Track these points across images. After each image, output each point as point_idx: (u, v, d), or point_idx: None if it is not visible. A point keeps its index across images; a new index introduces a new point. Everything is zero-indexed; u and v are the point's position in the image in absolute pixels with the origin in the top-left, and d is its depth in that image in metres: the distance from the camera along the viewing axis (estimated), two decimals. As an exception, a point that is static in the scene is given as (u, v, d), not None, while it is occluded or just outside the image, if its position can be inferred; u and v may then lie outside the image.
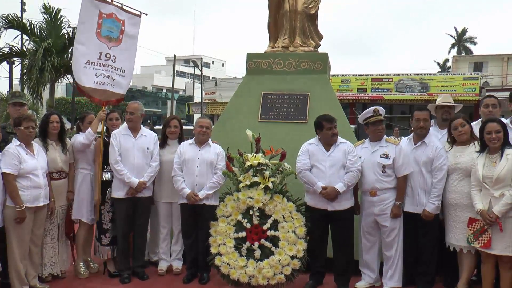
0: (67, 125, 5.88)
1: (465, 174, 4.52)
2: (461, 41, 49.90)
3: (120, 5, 5.68)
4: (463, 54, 46.34)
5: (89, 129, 5.27)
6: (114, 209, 5.31)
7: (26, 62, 15.81)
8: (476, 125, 4.86)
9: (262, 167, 4.89)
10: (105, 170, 5.34)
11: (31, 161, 4.65)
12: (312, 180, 4.76)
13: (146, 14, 5.99)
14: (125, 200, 5.17)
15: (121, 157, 5.16)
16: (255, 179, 4.86)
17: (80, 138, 5.26)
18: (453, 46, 50.35)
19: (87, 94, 5.50)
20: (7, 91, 17.28)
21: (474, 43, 50.09)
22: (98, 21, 5.44)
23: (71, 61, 5.52)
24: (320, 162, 4.80)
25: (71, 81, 17.04)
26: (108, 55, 5.52)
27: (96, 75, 5.41)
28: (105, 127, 5.52)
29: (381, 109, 4.92)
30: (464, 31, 50.19)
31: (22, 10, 16.17)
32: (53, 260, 5.12)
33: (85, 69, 5.36)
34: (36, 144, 4.88)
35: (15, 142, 4.66)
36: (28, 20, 16.01)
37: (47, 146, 5.05)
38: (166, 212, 5.44)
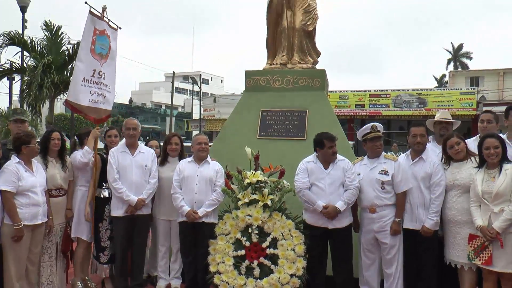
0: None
1: (463, 190, 4.52)
2: (457, 56, 50.29)
3: (107, 20, 5.67)
4: (459, 69, 46.65)
5: (86, 147, 5.28)
6: (112, 227, 5.29)
7: (26, 78, 15.87)
8: (474, 141, 4.87)
9: (261, 184, 4.89)
10: (103, 187, 5.33)
11: (30, 179, 4.64)
12: (312, 199, 4.76)
13: (121, 28, 5.93)
14: (124, 218, 5.15)
15: (119, 175, 5.15)
16: (254, 196, 4.86)
17: (78, 156, 5.27)
18: (449, 61, 50.74)
19: (82, 113, 5.48)
20: (7, 107, 17.32)
21: (470, 58, 50.53)
22: (92, 37, 5.42)
23: (71, 78, 5.48)
24: (320, 180, 4.80)
25: (70, 98, 17.07)
26: (100, 73, 5.50)
27: (90, 93, 5.39)
28: (104, 144, 5.52)
29: (379, 126, 4.94)
30: (460, 46, 50.64)
31: (24, 27, 16.25)
32: (51, 279, 5.07)
33: (82, 86, 5.33)
34: (36, 161, 4.87)
35: (14, 159, 4.66)
36: (29, 37, 16.11)
37: (47, 163, 5.05)
38: (164, 230, 5.42)
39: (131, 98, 56.93)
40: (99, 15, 5.52)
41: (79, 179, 5.36)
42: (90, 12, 5.39)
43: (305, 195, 4.80)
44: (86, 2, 5.41)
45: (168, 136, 5.68)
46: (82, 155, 5.23)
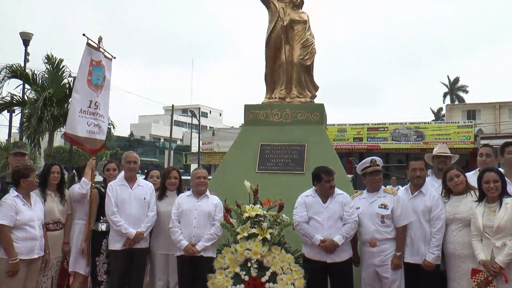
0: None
1: (464, 224, 4.51)
2: (454, 89, 50.92)
3: (103, 50, 5.73)
4: (456, 103, 47.12)
5: (83, 178, 5.29)
6: (109, 261, 5.23)
7: (26, 111, 15.96)
8: (473, 175, 4.89)
9: (260, 218, 4.86)
10: (101, 221, 5.31)
11: (27, 212, 4.62)
12: (310, 233, 4.74)
13: (115, 58, 6.00)
14: (121, 252, 5.10)
15: (117, 208, 5.13)
16: (253, 230, 4.82)
17: (76, 188, 5.25)
18: (445, 94, 51.30)
19: (79, 144, 5.50)
20: (6, 140, 17.35)
21: (466, 92, 51.13)
22: (89, 68, 5.46)
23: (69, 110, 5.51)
24: (318, 214, 4.80)
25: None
26: (96, 104, 5.53)
27: (87, 124, 5.42)
28: (102, 178, 5.52)
29: (378, 160, 4.96)
30: (457, 80, 51.31)
31: (26, 60, 16.46)
32: (45, 315, 4.98)
33: (79, 118, 5.36)
34: (34, 195, 4.87)
35: (12, 192, 4.65)
36: (31, 70, 16.31)
37: (46, 196, 5.05)
38: (162, 264, 5.34)
39: (131, 131, 57.24)
40: (96, 46, 5.59)
41: (77, 212, 5.35)
42: (88, 44, 5.45)
43: (303, 229, 4.78)
44: (84, 34, 5.47)
45: (167, 170, 5.67)
46: (80, 187, 5.25)
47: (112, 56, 5.94)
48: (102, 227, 5.30)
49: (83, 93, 5.41)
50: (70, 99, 5.42)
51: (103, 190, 5.36)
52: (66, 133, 5.41)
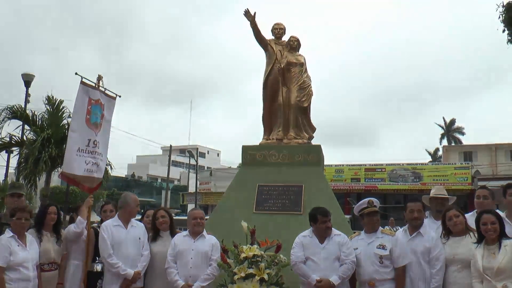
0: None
1: (464, 265, 4.48)
2: (450, 131, 51.39)
3: (103, 89, 5.74)
4: (453, 144, 47.47)
5: (79, 217, 5.26)
6: (104, 303, 5.12)
7: (24, 151, 15.98)
8: (471, 216, 4.89)
9: (258, 258, 4.83)
10: (96, 261, 5.23)
11: (21, 253, 4.57)
12: (306, 273, 4.70)
13: (120, 96, 6.01)
14: (117, 294, 5.00)
15: (113, 249, 5.08)
16: (250, 271, 4.78)
17: (72, 227, 5.24)
18: (442, 136, 51.73)
19: (76, 183, 5.46)
20: (3, 180, 17.29)
21: (463, 133, 51.59)
22: (88, 107, 5.45)
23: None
24: (314, 254, 4.78)
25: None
26: (95, 142, 5.51)
27: (85, 163, 5.39)
28: (100, 219, 5.49)
29: (375, 201, 4.98)
30: (453, 121, 51.86)
31: (26, 101, 16.64)
32: None
33: (77, 156, 5.33)
34: (29, 235, 4.83)
35: (8, 233, 4.63)
36: (31, 111, 16.45)
37: (42, 236, 5.01)
38: (157, 306, 5.24)
39: (133, 172, 57.21)
40: (93, 85, 5.60)
41: (72, 252, 5.29)
42: (82, 83, 5.45)
43: (299, 269, 4.76)
44: (76, 73, 5.47)
45: (154, 212, 5.59)
46: (76, 226, 5.22)
47: (116, 94, 5.95)
48: (98, 267, 5.22)
49: (81, 132, 5.40)
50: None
51: (99, 230, 5.32)
52: (64, 172, 5.38)
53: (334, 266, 4.73)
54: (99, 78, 5.69)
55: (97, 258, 5.24)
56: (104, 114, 5.70)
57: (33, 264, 4.67)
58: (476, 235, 4.50)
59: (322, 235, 4.86)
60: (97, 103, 5.59)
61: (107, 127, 5.78)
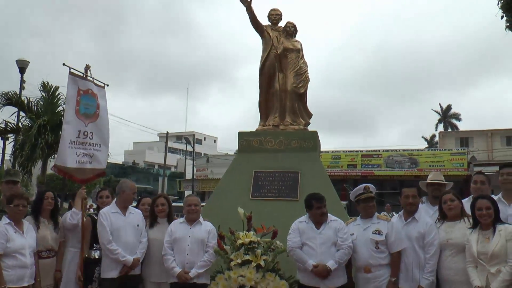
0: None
1: (457, 250, 4.53)
2: (447, 117, 51.43)
3: (92, 79, 5.67)
4: (449, 130, 47.55)
5: (73, 208, 5.28)
6: (102, 289, 5.15)
7: (20, 138, 15.93)
8: (467, 202, 4.92)
9: (254, 245, 4.86)
10: (94, 249, 5.25)
11: (18, 240, 4.58)
12: (303, 258, 4.73)
13: (108, 85, 5.95)
14: (115, 280, 5.03)
15: (112, 236, 5.09)
16: (247, 257, 4.81)
17: (68, 218, 5.25)
18: (439, 122, 51.78)
19: (69, 175, 5.42)
20: (-1, 167, 17.24)
21: (459, 119, 51.64)
22: (77, 98, 5.40)
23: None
24: (311, 240, 4.80)
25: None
26: (86, 133, 5.46)
27: (76, 154, 5.35)
28: (96, 205, 5.49)
29: (371, 187, 4.99)
30: (449, 107, 51.88)
31: (21, 88, 16.52)
32: None
33: (69, 149, 5.30)
34: (27, 222, 4.84)
35: (4, 220, 4.63)
36: (27, 98, 16.35)
37: (39, 223, 5.02)
38: (155, 292, 5.28)
39: (134, 160, 57.17)
40: (81, 75, 5.54)
41: (70, 240, 5.31)
42: (71, 73, 5.39)
43: (295, 254, 4.78)
44: (64, 64, 5.41)
45: (154, 198, 5.61)
46: (71, 217, 5.24)
47: (104, 83, 5.89)
48: (95, 254, 5.24)
49: (72, 124, 5.38)
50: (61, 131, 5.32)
51: (96, 217, 5.32)
52: (56, 165, 5.35)
53: (331, 251, 4.75)
54: (87, 67, 5.62)
55: (94, 245, 5.26)
56: (99, 103, 5.66)
57: (30, 251, 4.68)
58: (470, 220, 4.53)
59: (318, 221, 4.88)
60: (86, 93, 5.52)
61: (104, 115, 5.73)
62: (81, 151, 5.42)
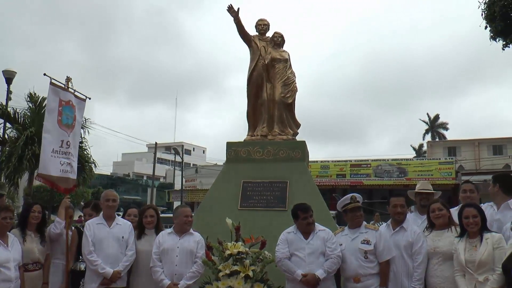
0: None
1: (444, 258, 4.55)
2: (434, 126, 51.91)
3: (73, 91, 5.78)
4: (437, 139, 47.99)
5: (57, 218, 5.25)
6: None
7: (6, 149, 15.73)
8: (456, 211, 4.95)
9: (242, 255, 4.83)
10: (80, 260, 5.20)
11: (3, 253, 4.52)
12: (291, 269, 4.71)
13: (90, 98, 6.10)
14: (98, 292, 4.96)
15: (95, 247, 5.03)
16: (235, 267, 4.78)
17: (51, 229, 5.24)
18: (426, 132, 52.25)
19: (52, 184, 5.47)
20: (-16, 179, 17.00)
21: (446, 129, 52.15)
22: (58, 108, 5.50)
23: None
24: (299, 250, 4.78)
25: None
26: (68, 143, 5.58)
27: (60, 163, 5.43)
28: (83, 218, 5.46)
29: (358, 196, 4.99)
30: (436, 117, 52.39)
31: (8, 99, 16.36)
32: None
33: (52, 157, 5.36)
34: (12, 235, 4.77)
35: (-12, 233, 4.55)
36: (13, 108, 16.19)
37: (25, 236, 4.95)
38: (142, 305, 5.21)
39: (129, 173, 56.89)
40: (63, 86, 5.63)
41: (53, 251, 5.26)
42: (52, 84, 5.48)
43: (284, 265, 4.76)
44: (45, 74, 5.49)
45: (143, 208, 5.59)
46: (54, 226, 5.21)
47: (86, 96, 6.01)
48: (81, 266, 5.20)
49: (54, 133, 5.46)
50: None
51: (82, 229, 5.27)
52: (40, 174, 5.38)
53: (319, 261, 4.73)
54: (68, 79, 5.72)
55: (80, 257, 5.20)
56: (76, 116, 5.78)
57: (15, 264, 4.61)
58: (457, 229, 4.56)
59: (305, 230, 4.87)
60: (67, 104, 5.64)
61: (78, 129, 5.88)
62: (65, 161, 5.50)
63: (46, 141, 5.37)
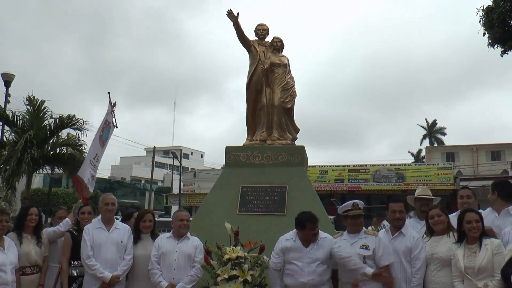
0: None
1: (442, 264, 4.54)
2: (432, 132, 51.96)
3: (113, 115, 6.64)
4: (435, 145, 48.04)
5: (67, 219, 5.41)
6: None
7: (5, 153, 15.66)
8: (454, 217, 4.95)
9: (241, 260, 4.82)
10: (72, 265, 5.15)
11: (-1, 256, 4.48)
12: (273, 282, 4.78)
13: (117, 127, 6.89)
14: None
15: (93, 252, 5.02)
16: (234, 272, 4.78)
17: (52, 228, 5.28)
18: (424, 137, 52.29)
19: (81, 188, 6.03)
20: (-18, 183, 16.92)
21: (444, 134, 52.21)
22: (103, 126, 6.30)
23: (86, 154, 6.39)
24: (298, 259, 4.73)
25: (49, 171, 16.88)
26: (97, 157, 6.30)
27: (90, 173, 6.10)
28: (76, 221, 5.45)
29: (360, 203, 4.95)
30: (434, 122, 52.46)
31: (6, 102, 16.29)
32: None
33: (89, 165, 6.10)
34: (8, 239, 4.75)
35: (-15, 236, 4.54)
36: (12, 111, 16.11)
37: (22, 239, 4.93)
38: (139, 309, 5.18)
39: (125, 178, 56.92)
40: (112, 109, 6.50)
41: (51, 255, 5.26)
42: (110, 103, 6.44)
43: (270, 275, 4.82)
44: (109, 93, 6.44)
45: (141, 212, 5.55)
46: (62, 225, 5.36)
47: (116, 125, 6.80)
48: (74, 271, 5.15)
49: (95, 146, 6.28)
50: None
51: (75, 233, 5.25)
52: (77, 175, 6.04)
53: (318, 270, 4.70)
54: (114, 104, 6.60)
55: (72, 262, 5.17)
56: (108, 137, 6.58)
57: (12, 267, 4.59)
58: (455, 235, 4.56)
59: (308, 240, 4.81)
60: (108, 125, 6.51)
61: (104, 148, 6.60)
62: (92, 172, 6.19)
63: (90, 151, 6.23)
